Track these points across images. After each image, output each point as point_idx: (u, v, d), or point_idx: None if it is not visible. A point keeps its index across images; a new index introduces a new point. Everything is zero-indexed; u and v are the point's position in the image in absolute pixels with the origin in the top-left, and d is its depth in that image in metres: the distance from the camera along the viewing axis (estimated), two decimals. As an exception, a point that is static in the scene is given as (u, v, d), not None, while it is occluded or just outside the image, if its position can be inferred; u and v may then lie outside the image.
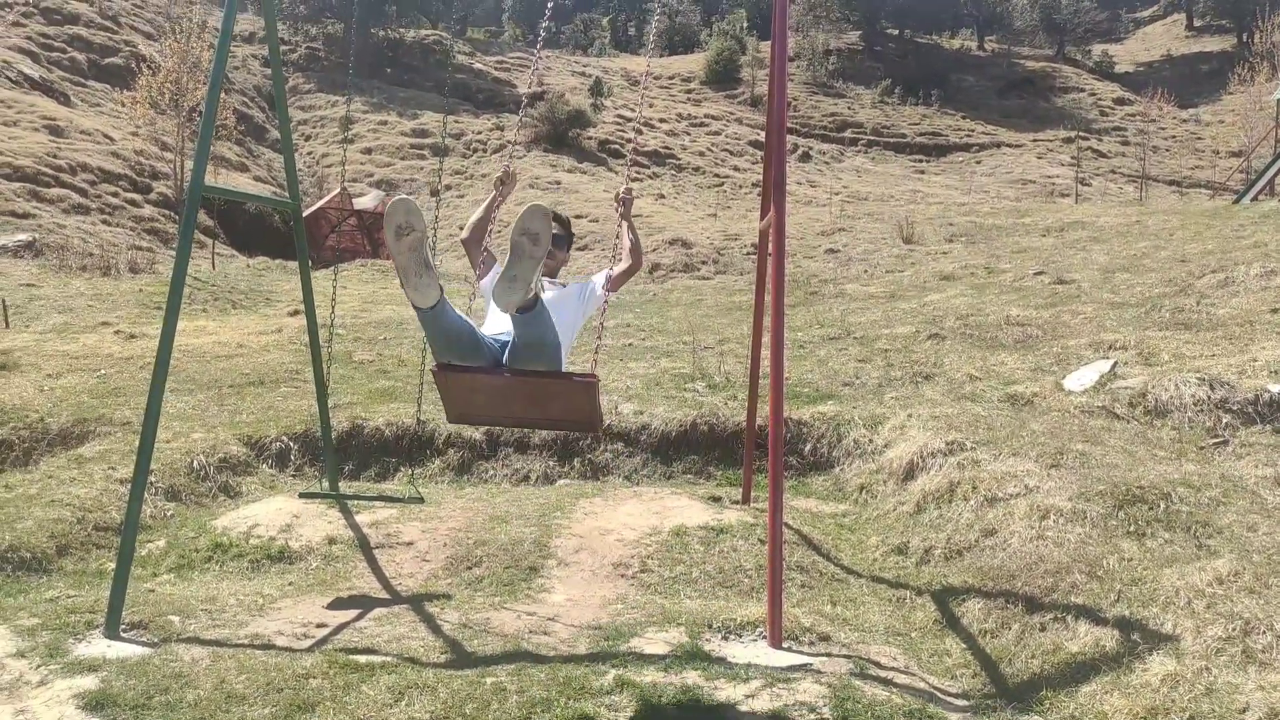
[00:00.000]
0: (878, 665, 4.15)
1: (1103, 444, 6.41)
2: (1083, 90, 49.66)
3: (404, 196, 3.62)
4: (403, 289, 3.68)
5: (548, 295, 4.05)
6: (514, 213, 4.07)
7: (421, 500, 5.57)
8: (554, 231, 3.97)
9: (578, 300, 4.34)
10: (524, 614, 4.74)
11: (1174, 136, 41.79)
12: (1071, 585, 4.58)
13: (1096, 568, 4.66)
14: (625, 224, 4.53)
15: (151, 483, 6.30)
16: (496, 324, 4.11)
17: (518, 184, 4.71)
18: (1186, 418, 7.01)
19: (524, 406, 4.05)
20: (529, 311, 3.72)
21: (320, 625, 4.60)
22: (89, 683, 3.80)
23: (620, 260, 4.48)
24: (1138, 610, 4.25)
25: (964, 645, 4.49)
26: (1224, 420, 6.88)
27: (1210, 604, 4.11)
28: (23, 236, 19.00)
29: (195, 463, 6.98)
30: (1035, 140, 41.71)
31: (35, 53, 30.76)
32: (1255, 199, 21.80)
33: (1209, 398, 7.11)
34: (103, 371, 9.80)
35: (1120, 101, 47.47)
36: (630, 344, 11.52)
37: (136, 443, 5.09)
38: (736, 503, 6.52)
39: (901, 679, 4.05)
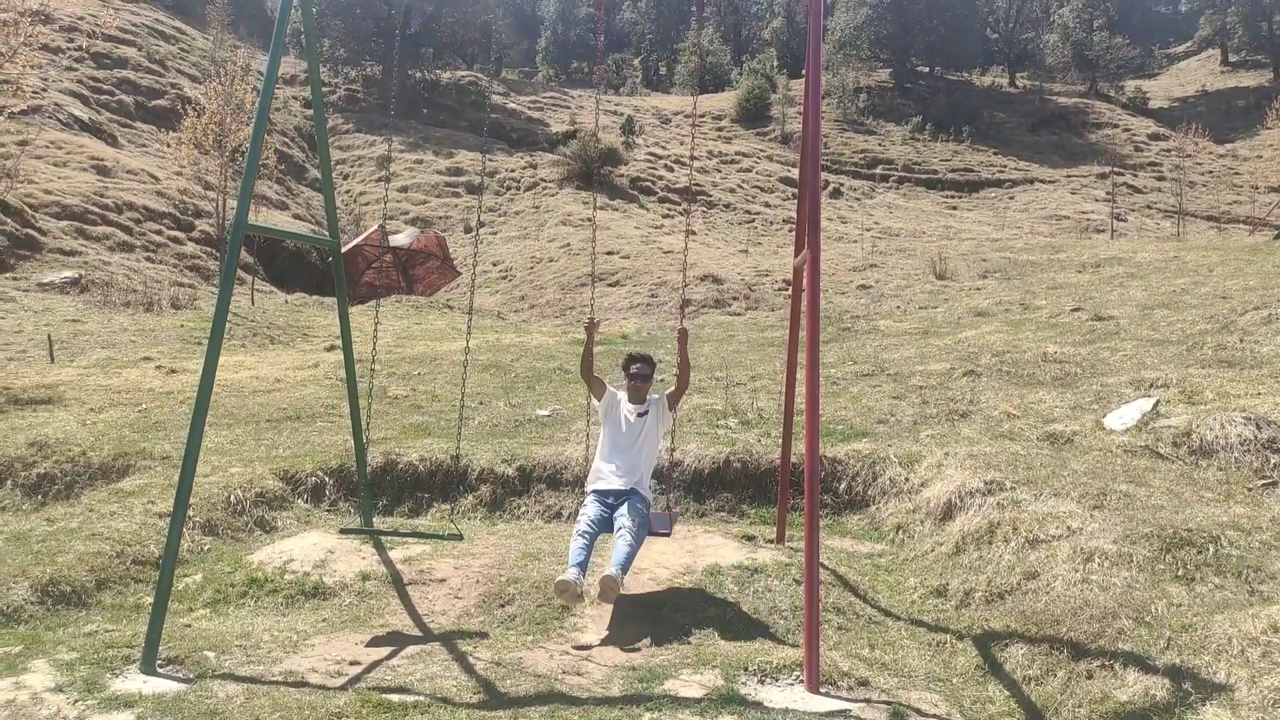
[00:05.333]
0: (919, 712, 4.05)
1: (1147, 484, 6.27)
2: (1116, 126, 49.36)
3: (564, 579, 4.92)
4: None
5: (641, 430, 5.70)
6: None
7: (460, 538, 5.56)
8: (643, 372, 5.88)
9: (658, 424, 5.83)
10: (557, 654, 4.70)
11: (1211, 172, 41.32)
12: (1119, 631, 4.45)
13: (1144, 613, 4.53)
14: (683, 351, 6.02)
15: (189, 517, 6.36)
16: (614, 454, 5.68)
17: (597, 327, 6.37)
18: (1233, 458, 6.84)
19: None
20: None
21: (353, 663, 4.58)
22: (125, 719, 3.81)
23: (677, 381, 5.96)
24: (1189, 658, 4.12)
25: (1007, 693, 4.37)
26: (1272, 461, 6.70)
27: (1265, 653, 3.97)
28: (69, 273, 19.50)
29: (232, 497, 7.04)
30: (1069, 176, 41.44)
31: (85, 95, 31.78)
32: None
33: (1256, 437, 6.95)
34: (144, 406, 9.96)
35: (1155, 137, 47.10)
36: (663, 379, 11.50)
37: (176, 477, 5.15)
38: (771, 541, 6.44)
39: (943, 726, 3.95)
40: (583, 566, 5.06)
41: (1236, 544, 5.07)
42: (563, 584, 4.88)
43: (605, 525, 5.39)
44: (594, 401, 5.99)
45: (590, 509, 5.44)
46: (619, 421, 5.74)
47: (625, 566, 5.08)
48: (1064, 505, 5.83)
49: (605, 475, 5.61)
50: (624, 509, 5.38)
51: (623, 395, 5.85)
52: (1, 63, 13.88)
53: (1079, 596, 4.82)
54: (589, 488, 5.67)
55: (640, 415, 5.75)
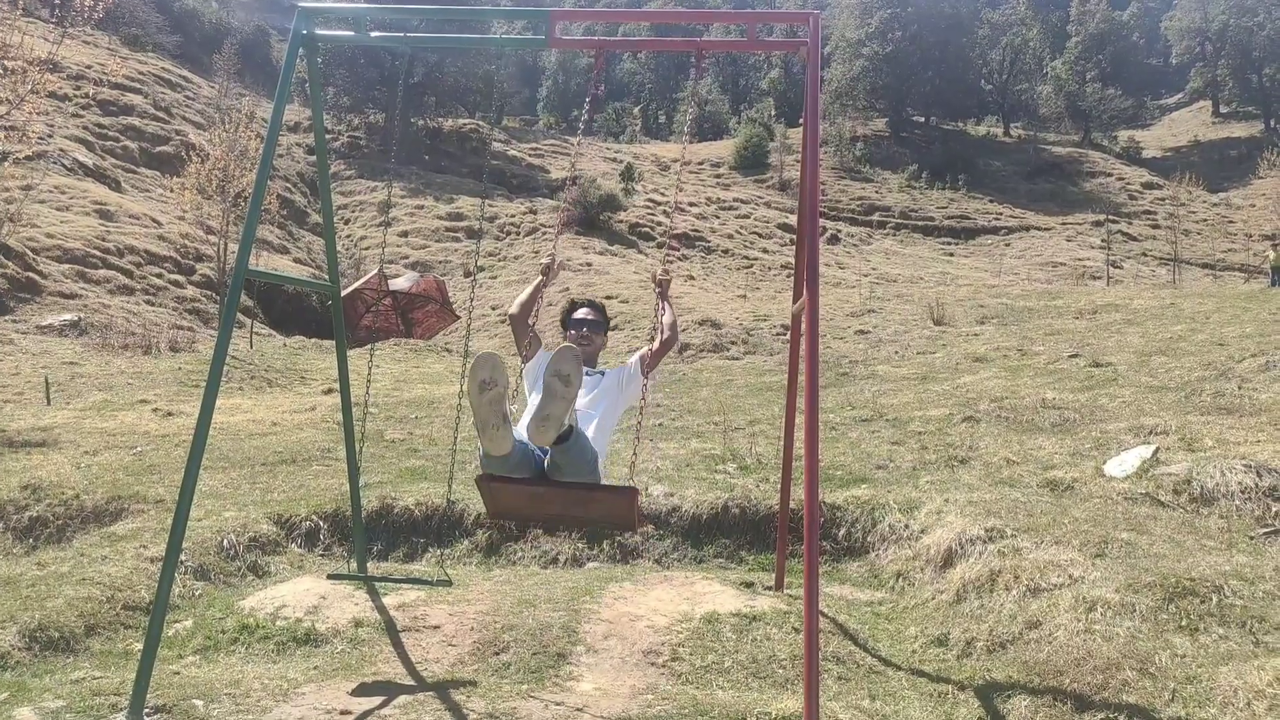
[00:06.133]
0: (920, 765, 3.97)
1: (1148, 532, 6.22)
2: (1110, 175, 50.00)
3: (489, 352, 3.64)
4: (478, 436, 3.75)
5: (584, 400, 4.15)
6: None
7: (450, 583, 5.50)
8: (591, 318, 4.48)
9: (617, 390, 4.39)
10: (551, 704, 4.62)
11: (1205, 220, 41.76)
12: (1123, 683, 4.38)
13: (1148, 664, 4.46)
14: (664, 302, 4.57)
15: (181, 561, 6.29)
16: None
17: (561, 270, 5.00)
18: (1234, 506, 6.80)
19: (565, 508, 4.13)
20: (565, 441, 3.78)
21: (344, 713, 4.50)
22: (110, 769, 3.73)
23: (659, 336, 4.46)
24: (1194, 710, 4.05)
25: (1011, 745, 4.28)
26: (1273, 509, 6.66)
27: (1271, 705, 3.90)
28: (68, 316, 19.56)
29: (225, 541, 6.97)
30: (1064, 223, 41.87)
31: (91, 141, 32.18)
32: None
33: (1257, 485, 6.91)
34: (139, 449, 9.92)
35: (1149, 186, 47.69)
36: (660, 424, 11.47)
37: (169, 521, 5.11)
38: (769, 588, 6.36)
39: (946, 780, 3.86)
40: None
41: (1240, 594, 5.02)
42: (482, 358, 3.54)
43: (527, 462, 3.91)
44: (521, 363, 4.47)
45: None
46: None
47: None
48: (1065, 553, 5.78)
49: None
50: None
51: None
52: (9, 110, 14.06)
53: (1082, 647, 4.75)
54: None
55: (588, 377, 4.20)
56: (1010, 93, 60.20)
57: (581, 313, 4.60)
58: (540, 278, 4.67)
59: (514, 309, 4.67)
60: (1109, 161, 52.26)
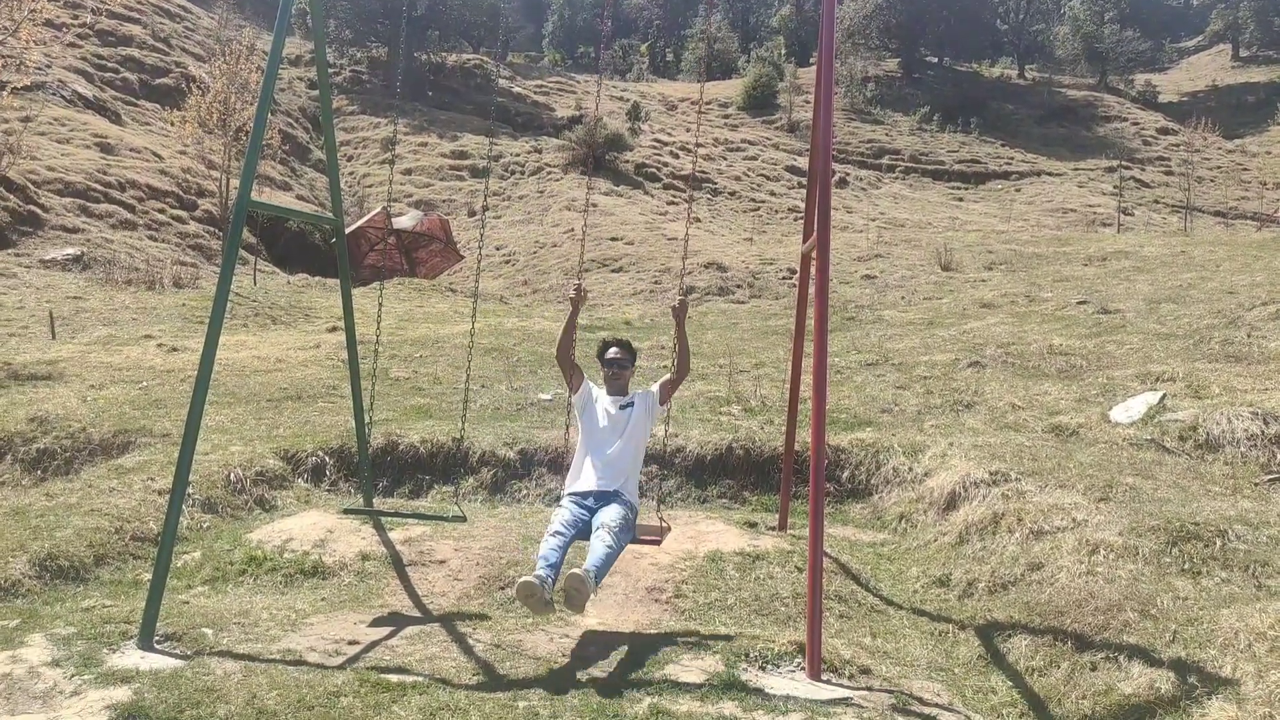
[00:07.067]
0: (920, 701, 4.02)
1: (1153, 478, 6.23)
2: (1125, 120, 49.10)
3: (528, 580, 4.22)
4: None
5: (624, 431, 5.01)
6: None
7: (464, 519, 5.52)
8: (619, 357, 5.23)
9: (646, 417, 5.16)
10: (557, 636, 4.67)
11: (1219, 167, 41.12)
12: (1124, 624, 4.41)
13: (1150, 606, 4.49)
14: (681, 330, 5.25)
15: (189, 494, 6.33)
16: (592, 455, 4.99)
17: (586, 298, 5.82)
18: (1240, 452, 6.80)
19: None
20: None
21: (352, 642, 4.56)
22: (122, 694, 3.79)
23: (675, 367, 5.29)
24: (1194, 652, 4.08)
25: (1010, 683, 4.33)
26: (1279, 456, 6.65)
27: (1272, 647, 3.93)
28: (71, 250, 19.46)
29: (232, 475, 7.01)
30: (1076, 169, 41.25)
31: (90, 73, 31.63)
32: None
33: (1263, 432, 6.90)
34: (145, 383, 9.93)
35: (1164, 131, 46.85)
36: (665, 365, 11.45)
37: (176, 454, 5.12)
38: (773, 529, 6.40)
39: (945, 716, 3.92)
40: (555, 568, 4.37)
41: (1244, 538, 5.03)
42: (526, 586, 4.15)
43: (583, 530, 4.72)
44: (571, 396, 5.21)
45: (566, 511, 4.76)
46: (596, 417, 5.05)
47: (600, 572, 4.36)
48: (1069, 497, 5.79)
49: (583, 477, 4.93)
50: (605, 510, 4.73)
51: (600, 389, 5.22)
52: (5, 38, 13.79)
53: (1084, 588, 4.79)
54: (565, 491, 5.00)
55: (623, 409, 5.07)
56: (1026, 33, 58.83)
57: (612, 353, 5.26)
58: (570, 309, 5.24)
59: (557, 351, 5.25)
60: (1124, 106, 51.30)
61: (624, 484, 4.90)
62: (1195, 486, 6.12)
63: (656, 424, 5.45)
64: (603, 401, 5.12)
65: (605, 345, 5.32)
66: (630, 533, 4.80)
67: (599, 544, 4.50)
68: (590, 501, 4.83)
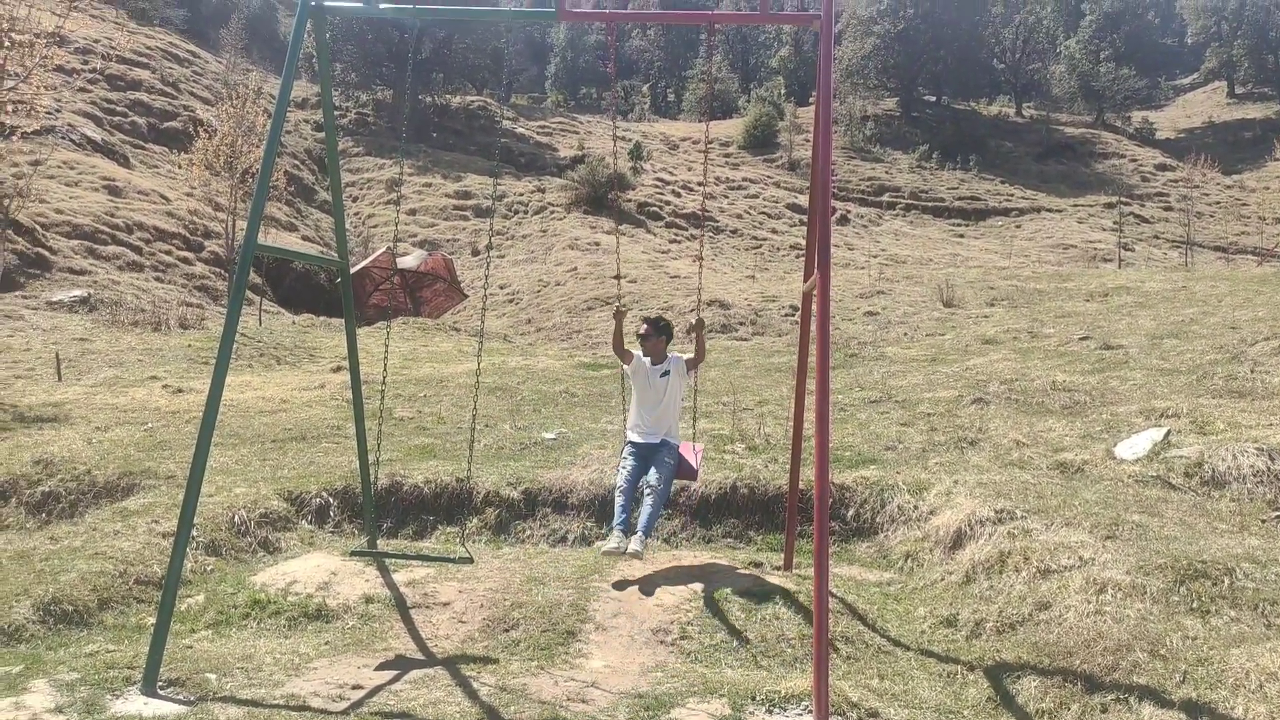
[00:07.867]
0: (930, 744, 3.98)
1: (1159, 515, 6.20)
2: (1123, 156, 49.53)
3: (610, 550, 6.01)
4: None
5: (669, 387, 6.57)
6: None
7: (471, 561, 5.51)
8: (647, 330, 6.66)
9: (680, 376, 6.68)
10: (561, 680, 4.64)
11: (1218, 202, 41.38)
12: (1133, 664, 4.38)
13: (1159, 646, 4.46)
14: (698, 336, 6.69)
15: (193, 537, 6.32)
16: (643, 410, 6.61)
17: (625, 314, 7.20)
18: (1246, 489, 6.77)
19: None
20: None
21: (356, 687, 4.53)
22: (124, 741, 3.76)
23: (695, 352, 6.74)
24: (1205, 693, 4.04)
25: (1020, 725, 4.29)
26: (1286, 492, 6.62)
27: (1284, 688, 3.89)
28: (78, 292, 19.60)
29: (236, 517, 7.00)
30: (1076, 205, 41.53)
31: (99, 116, 32.11)
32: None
33: (1269, 468, 6.88)
34: (150, 425, 9.95)
35: (1162, 167, 47.23)
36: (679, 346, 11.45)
37: (180, 496, 5.12)
38: (778, 568, 6.37)
39: (955, 760, 3.87)
40: (625, 525, 6.03)
41: (1252, 576, 5.00)
42: (610, 554, 5.97)
43: (641, 473, 6.38)
44: (625, 368, 6.87)
45: (627, 463, 6.42)
46: (645, 381, 6.63)
47: (649, 529, 6.08)
48: (1076, 535, 5.76)
49: (638, 428, 6.57)
50: (653, 466, 6.35)
51: (647, 359, 6.64)
52: (16, 84, 14.02)
53: (1092, 628, 4.75)
54: (627, 437, 6.67)
55: (663, 375, 6.59)
56: (1023, 72, 59.55)
57: (643, 330, 6.73)
58: (615, 322, 6.85)
59: (613, 347, 6.94)
60: (1122, 142, 51.78)
61: (668, 431, 6.54)
62: (1202, 524, 6.09)
63: (687, 386, 6.99)
64: (646, 370, 6.62)
65: (645, 320, 6.86)
66: (671, 481, 6.42)
67: (647, 504, 6.16)
68: (645, 451, 6.48)
